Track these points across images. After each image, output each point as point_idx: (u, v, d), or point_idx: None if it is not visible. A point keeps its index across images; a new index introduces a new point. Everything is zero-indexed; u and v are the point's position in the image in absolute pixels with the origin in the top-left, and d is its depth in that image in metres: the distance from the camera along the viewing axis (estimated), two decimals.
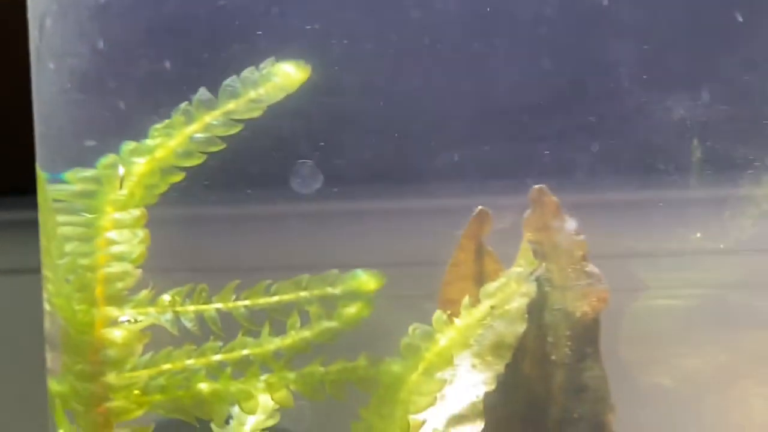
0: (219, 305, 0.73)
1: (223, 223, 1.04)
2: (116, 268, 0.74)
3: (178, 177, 0.78)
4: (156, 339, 0.75)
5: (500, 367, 0.85)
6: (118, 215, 0.76)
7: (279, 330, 0.74)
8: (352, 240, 1.01)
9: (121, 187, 0.74)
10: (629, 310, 1.14)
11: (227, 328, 0.75)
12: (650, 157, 1.13)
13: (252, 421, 0.83)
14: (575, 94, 1.01)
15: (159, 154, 0.78)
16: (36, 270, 0.82)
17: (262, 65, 0.78)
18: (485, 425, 0.84)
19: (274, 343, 0.73)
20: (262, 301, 0.73)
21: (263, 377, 0.73)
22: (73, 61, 0.80)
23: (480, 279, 0.90)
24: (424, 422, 0.75)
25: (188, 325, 0.73)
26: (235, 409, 0.84)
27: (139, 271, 0.75)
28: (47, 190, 0.77)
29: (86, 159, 0.77)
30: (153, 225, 0.78)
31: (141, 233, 0.76)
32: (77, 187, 0.77)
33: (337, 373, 0.73)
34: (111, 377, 0.71)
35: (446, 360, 0.76)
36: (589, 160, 1.02)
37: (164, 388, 0.71)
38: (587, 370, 0.94)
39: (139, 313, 0.73)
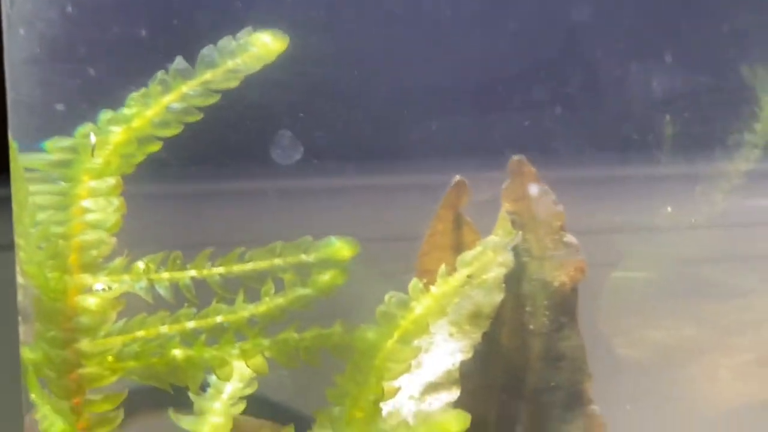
0: (193, 273, 0.72)
1: (197, 198, 1.03)
2: (91, 236, 0.72)
3: (155, 146, 0.77)
4: (132, 307, 0.73)
5: (477, 336, 0.83)
6: (93, 183, 0.75)
7: (254, 297, 0.73)
8: (329, 214, 1.00)
9: (93, 154, 0.73)
10: (603, 284, 1.14)
11: (202, 296, 0.73)
12: (623, 132, 1.12)
13: (229, 389, 0.82)
14: (546, 70, 0.99)
15: (136, 123, 0.76)
16: (10, 247, 0.80)
17: (239, 35, 0.76)
18: (462, 393, 0.83)
19: (248, 310, 0.71)
20: (237, 268, 0.72)
21: (238, 344, 0.72)
22: (43, 26, 0.79)
23: (458, 249, 0.89)
24: (398, 389, 0.74)
25: (163, 292, 0.71)
26: (213, 378, 0.83)
27: (114, 239, 0.73)
28: (19, 159, 0.76)
29: (57, 126, 0.75)
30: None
31: (116, 201, 0.74)
32: (55, 156, 0.75)
33: (311, 339, 0.72)
34: (84, 344, 0.70)
35: (422, 328, 0.75)
36: (559, 135, 1.01)
37: (138, 354, 0.70)
38: (565, 339, 0.92)
39: (113, 280, 0.72)
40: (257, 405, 0.86)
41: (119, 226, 0.74)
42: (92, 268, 0.72)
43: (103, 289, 0.71)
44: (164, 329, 0.71)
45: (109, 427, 0.69)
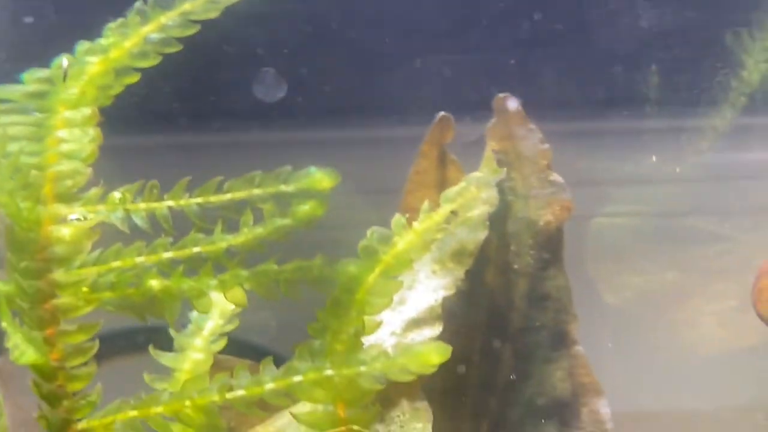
0: (170, 203, 0.69)
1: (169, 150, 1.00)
2: (66, 166, 0.70)
3: (133, 78, 0.74)
4: (108, 238, 0.71)
5: (461, 273, 0.81)
6: (68, 114, 0.72)
7: (233, 230, 0.70)
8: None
9: (64, 79, 0.70)
10: (588, 230, 1.12)
11: (179, 228, 0.71)
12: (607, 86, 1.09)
13: (210, 325, 0.80)
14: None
15: (113, 54, 0.73)
16: None
17: None
18: (445, 333, 0.81)
19: (226, 241, 0.69)
20: (215, 198, 0.69)
21: (217, 276, 0.69)
22: None
23: (442, 187, 0.86)
24: (380, 323, 0.72)
25: (139, 222, 0.69)
26: (193, 314, 0.81)
27: (90, 169, 0.70)
28: None
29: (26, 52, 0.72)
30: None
31: (92, 132, 0.71)
32: (30, 87, 0.72)
33: (291, 272, 0.69)
34: (58, 274, 0.67)
35: (404, 263, 0.72)
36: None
37: (113, 285, 0.67)
38: (550, 278, 0.90)
39: (88, 210, 0.69)
40: (239, 348, 0.84)
41: (95, 156, 0.71)
42: (67, 198, 0.69)
43: (78, 220, 0.68)
44: (141, 260, 0.68)
45: (83, 357, 0.67)
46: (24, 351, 0.64)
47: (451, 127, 0.89)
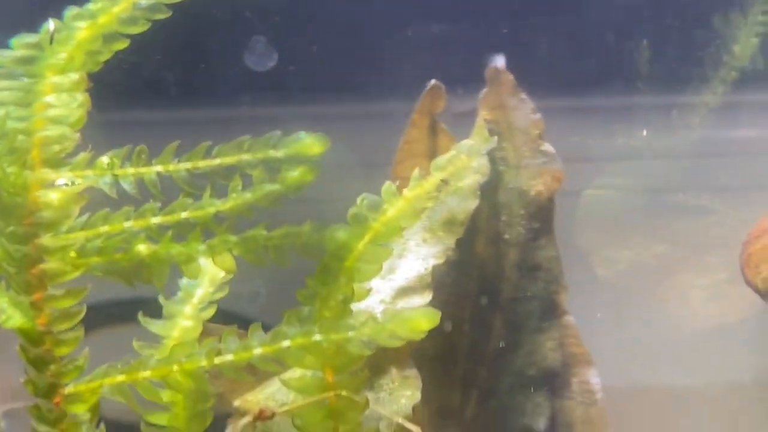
0: (159, 168, 0.67)
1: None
2: (53, 131, 0.68)
3: (122, 44, 0.72)
4: (98, 204, 0.69)
5: (451, 242, 0.79)
6: (56, 79, 0.70)
7: (222, 195, 0.69)
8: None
9: (51, 42, 0.68)
10: (578, 203, 1.10)
11: (168, 194, 0.69)
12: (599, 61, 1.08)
13: (199, 292, 0.78)
14: None
15: (101, 19, 0.71)
16: None
17: None
18: (436, 302, 0.79)
19: (215, 206, 0.67)
20: (203, 164, 0.67)
21: (206, 242, 0.68)
22: None
23: (433, 157, 0.84)
24: (369, 290, 0.70)
25: (127, 188, 0.67)
26: (183, 281, 0.79)
27: (78, 135, 0.69)
28: None
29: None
30: None
31: (80, 97, 0.70)
32: (19, 52, 0.71)
33: (280, 238, 0.68)
34: (45, 239, 0.66)
35: (394, 230, 0.71)
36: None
37: (101, 250, 0.66)
38: (541, 248, 0.89)
39: (76, 176, 0.67)
40: (228, 318, 0.82)
41: (83, 121, 0.69)
42: (54, 163, 0.67)
43: (66, 185, 0.67)
44: (129, 225, 0.66)
45: (70, 322, 0.65)
46: (11, 315, 0.63)
47: (442, 96, 0.87)
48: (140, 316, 0.76)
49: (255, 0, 0.84)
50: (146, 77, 0.92)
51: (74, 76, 0.70)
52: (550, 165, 0.87)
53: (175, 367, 0.65)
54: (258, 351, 0.65)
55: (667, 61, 1.12)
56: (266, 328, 0.69)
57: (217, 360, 0.65)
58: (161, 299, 0.77)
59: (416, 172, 0.74)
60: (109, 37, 0.72)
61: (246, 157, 0.67)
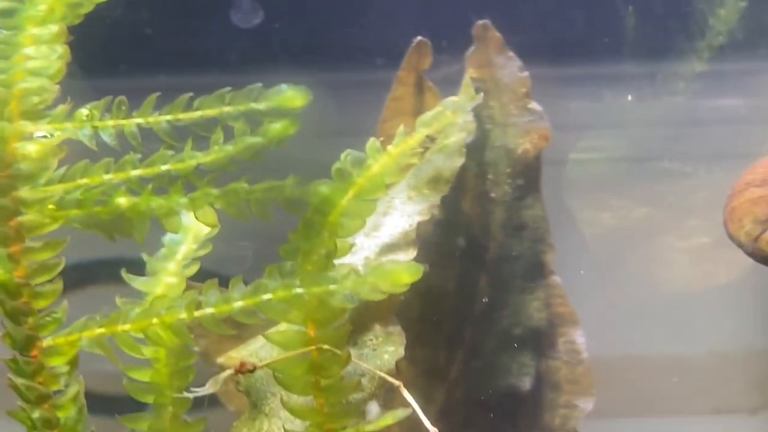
0: (139, 120, 0.65)
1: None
2: (33, 83, 0.65)
3: None
4: (78, 156, 0.67)
5: (436, 200, 0.77)
6: (36, 30, 0.67)
7: (203, 148, 0.66)
8: None
9: None
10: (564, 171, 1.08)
11: (149, 147, 0.66)
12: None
13: (183, 249, 0.76)
14: None
15: None
16: None
17: None
18: (421, 262, 0.77)
19: (196, 159, 0.65)
20: (184, 116, 0.65)
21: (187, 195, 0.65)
22: None
23: (420, 114, 0.82)
24: (352, 245, 0.68)
25: (107, 140, 0.65)
26: (166, 237, 0.77)
27: (57, 87, 0.66)
28: None
29: None
30: None
31: (60, 49, 0.67)
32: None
33: (262, 191, 0.65)
34: (24, 191, 0.63)
35: (378, 186, 0.68)
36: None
37: (80, 202, 0.64)
38: (527, 208, 0.86)
39: (55, 128, 0.65)
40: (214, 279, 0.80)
41: (62, 73, 0.67)
42: (33, 115, 0.65)
43: (45, 137, 0.64)
44: (108, 177, 0.64)
45: (49, 274, 0.63)
46: None
47: (428, 53, 0.85)
48: (123, 273, 0.73)
49: None
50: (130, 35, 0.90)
51: (54, 28, 0.68)
52: (537, 123, 0.85)
53: (155, 320, 0.63)
54: (239, 304, 0.63)
55: (652, 27, 1.10)
56: None
57: (197, 313, 0.63)
58: (144, 256, 0.74)
59: (401, 128, 0.72)
60: None
61: (227, 109, 0.65)
